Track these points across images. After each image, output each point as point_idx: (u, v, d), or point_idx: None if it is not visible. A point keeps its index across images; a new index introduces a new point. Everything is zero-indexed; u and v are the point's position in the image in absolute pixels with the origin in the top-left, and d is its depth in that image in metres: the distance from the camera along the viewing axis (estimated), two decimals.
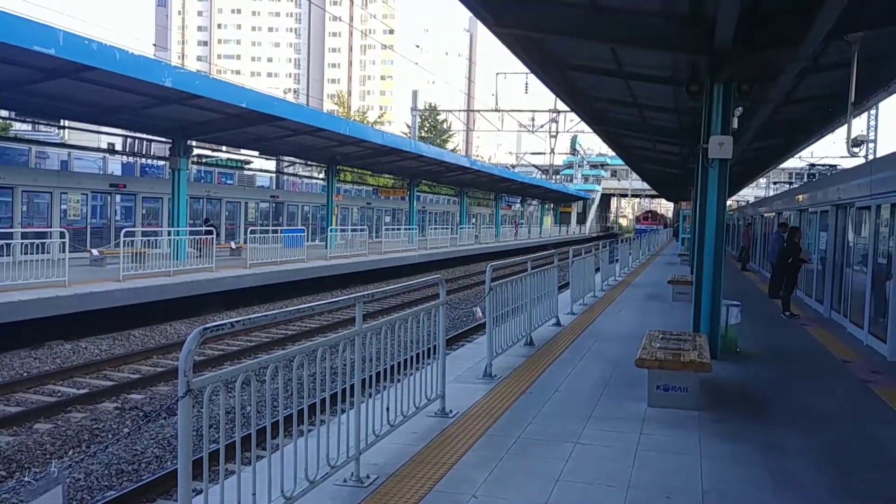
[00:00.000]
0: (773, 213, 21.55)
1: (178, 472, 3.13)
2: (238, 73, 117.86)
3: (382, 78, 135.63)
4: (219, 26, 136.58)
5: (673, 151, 22.36)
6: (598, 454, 5.30)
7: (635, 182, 78.95)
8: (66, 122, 25.97)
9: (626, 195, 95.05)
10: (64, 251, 14.98)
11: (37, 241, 15.29)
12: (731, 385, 7.68)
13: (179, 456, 3.09)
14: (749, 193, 67.24)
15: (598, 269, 16.52)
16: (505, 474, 4.83)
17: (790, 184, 51.19)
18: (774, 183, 64.01)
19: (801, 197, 17.25)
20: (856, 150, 12.02)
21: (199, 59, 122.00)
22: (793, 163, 46.13)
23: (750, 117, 12.63)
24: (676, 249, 37.73)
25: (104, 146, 31.56)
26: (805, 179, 34.74)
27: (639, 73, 12.33)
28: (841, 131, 14.29)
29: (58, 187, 21.35)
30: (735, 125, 8.94)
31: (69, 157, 27.57)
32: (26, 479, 7.33)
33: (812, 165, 38.13)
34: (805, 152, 39.14)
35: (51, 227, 19.59)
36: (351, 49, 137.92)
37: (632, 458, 5.22)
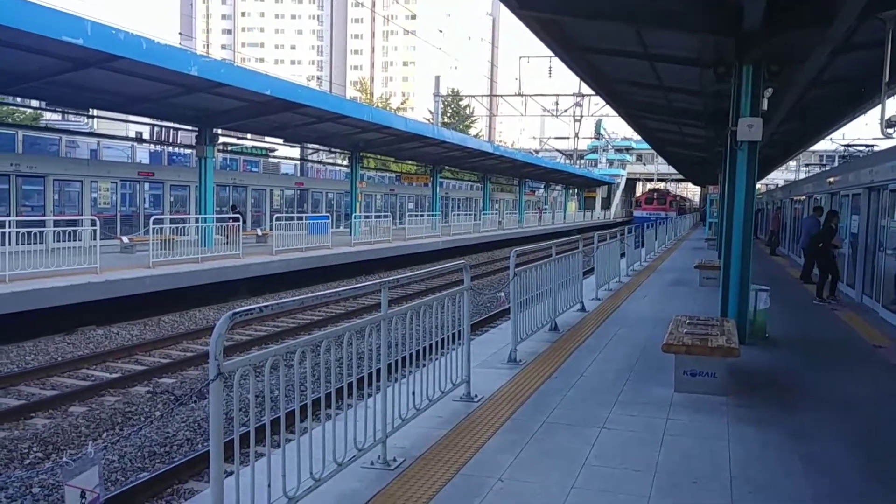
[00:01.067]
0: (804, 197, 21.20)
1: (209, 453, 3.18)
2: (262, 60, 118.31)
3: (405, 64, 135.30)
4: (242, 14, 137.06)
5: (699, 134, 22.04)
6: (625, 439, 5.29)
7: (661, 166, 77.91)
8: (95, 112, 26.32)
9: (651, 179, 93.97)
10: (95, 239, 15.23)
11: (68, 229, 15.57)
12: (760, 370, 7.61)
13: (211, 438, 3.15)
14: (778, 177, 66.16)
15: (623, 255, 16.41)
16: (530, 458, 4.85)
17: (822, 166, 50.18)
18: (806, 165, 62.82)
19: (832, 179, 16.94)
20: (890, 131, 11.74)
21: (223, 47, 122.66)
22: (824, 145, 45.25)
23: (779, 99, 12.38)
24: (703, 234, 37.33)
25: (132, 135, 31.97)
26: (838, 161, 33.81)
27: (664, 55, 12.15)
28: (874, 112, 13.98)
29: (88, 176, 21.68)
30: (765, 107, 8.80)
31: (98, 146, 27.99)
32: (64, 459, 7.52)
33: (847, 146, 37.00)
34: (836, 134, 38.26)
35: (82, 215, 19.92)
36: (373, 35, 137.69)
37: (658, 443, 5.21)
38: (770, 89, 9.13)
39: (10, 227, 14.00)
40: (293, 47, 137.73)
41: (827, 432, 5.56)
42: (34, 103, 23.45)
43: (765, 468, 4.78)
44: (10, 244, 13.60)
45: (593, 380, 7.02)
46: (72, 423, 8.70)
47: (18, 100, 25.23)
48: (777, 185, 52.08)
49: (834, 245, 13.20)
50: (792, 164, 61.59)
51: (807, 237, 15.78)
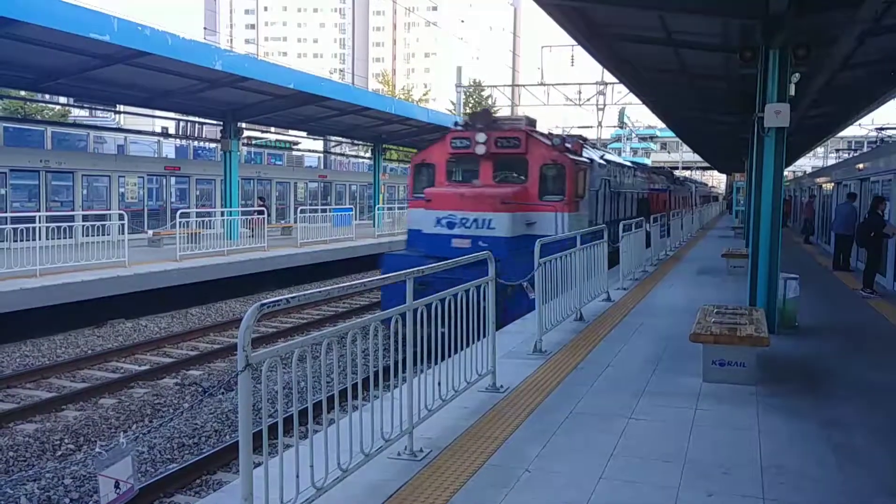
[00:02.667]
0: (833, 183, 20.82)
1: (238, 444, 3.21)
2: (285, 54, 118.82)
3: (426, 55, 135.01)
4: (265, 9, 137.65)
5: (725, 121, 21.75)
6: (653, 429, 5.25)
7: (686, 154, 77.08)
8: (121, 107, 26.65)
9: (676, 168, 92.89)
10: (123, 233, 15.45)
11: (97, 224, 15.80)
12: (790, 360, 7.50)
13: (240, 428, 3.17)
14: (806, 163, 65.02)
15: (648, 245, 16.26)
16: (558, 449, 4.83)
17: (851, 152, 49.19)
18: (836, 150, 61.58)
19: (861, 165, 16.62)
20: None
21: (246, 41, 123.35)
22: (852, 130, 44.35)
23: (807, 83, 12.17)
24: (730, 223, 36.86)
25: (158, 130, 32.31)
26: (867, 147, 32.90)
27: (688, 41, 11.99)
28: None
29: (115, 171, 21.96)
30: (792, 92, 8.64)
31: (125, 141, 28.30)
32: (97, 450, 7.65)
33: (881, 129, 35.99)
34: (865, 119, 37.43)
35: (110, 209, 20.20)
36: (395, 27, 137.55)
37: (687, 433, 5.16)
38: (797, 74, 8.96)
39: (40, 223, 14.24)
40: (315, 41, 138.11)
41: (859, 422, 5.46)
42: (62, 100, 23.79)
43: (796, 458, 4.71)
44: (40, 239, 13.84)
45: (620, 370, 6.97)
46: (102, 415, 8.85)
47: (47, 96, 25.58)
48: (805, 171, 51.18)
49: (886, 234, 12.44)
50: (819, 150, 60.44)
51: (843, 224, 15.35)
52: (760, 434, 5.15)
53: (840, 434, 5.17)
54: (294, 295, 3.52)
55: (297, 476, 3.51)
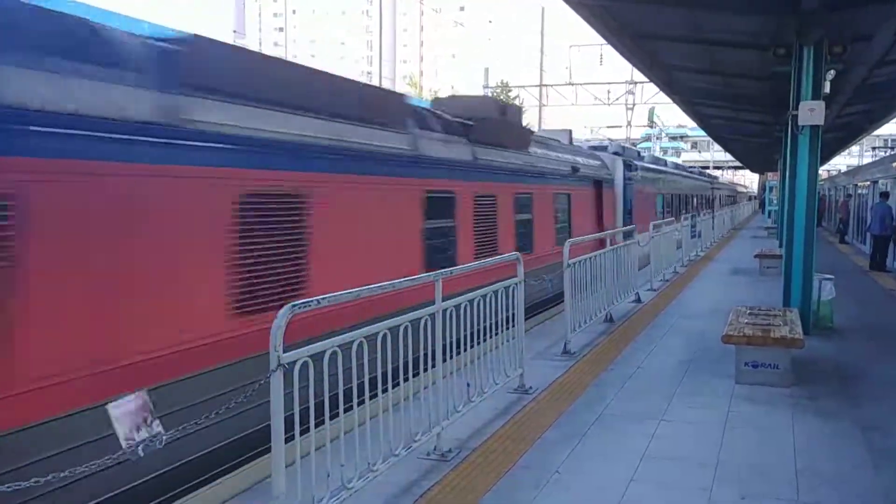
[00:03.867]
0: (868, 182, 20.41)
1: (271, 443, 3.24)
2: (313, 56, 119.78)
3: (453, 56, 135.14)
4: (293, 12, 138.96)
5: (757, 120, 21.44)
6: (685, 432, 5.19)
7: (717, 153, 76.10)
8: None
9: (707, 167, 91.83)
10: None
11: None
12: (825, 362, 7.36)
13: (272, 428, 3.20)
14: (841, 162, 63.78)
15: (679, 246, 16.09)
16: (588, 451, 4.80)
17: (889, 150, 48.16)
18: (872, 149, 60.29)
19: None
20: None
21: (275, 45, 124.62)
22: (889, 128, 43.42)
23: (842, 81, 11.95)
24: (761, 223, 36.32)
25: None
26: None
27: (720, 39, 11.83)
28: None
29: None
30: (827, 89, 8.49)
31: None
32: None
33: None
34: None
35: None
36: (422, 29, 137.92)
37: (720, 435, 5.09)
38: (832, 71, 8.80)
39: None
40: (343, 43, 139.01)
41: None
42: None
43: (831, 460, 4.62)
44: None
45: (650, 372, 6.91)
46: None
47: None
48: (839, 170, 50.23)
49: None
50: (854, 148, 59.26)
51: (879, 224, 15.19)
52: (795, 436, 5.07)
53: (876, 436, 5.07)
54: (325, 296, 3.55)
55: (329, 475, 3.54)
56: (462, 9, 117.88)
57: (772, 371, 6.34)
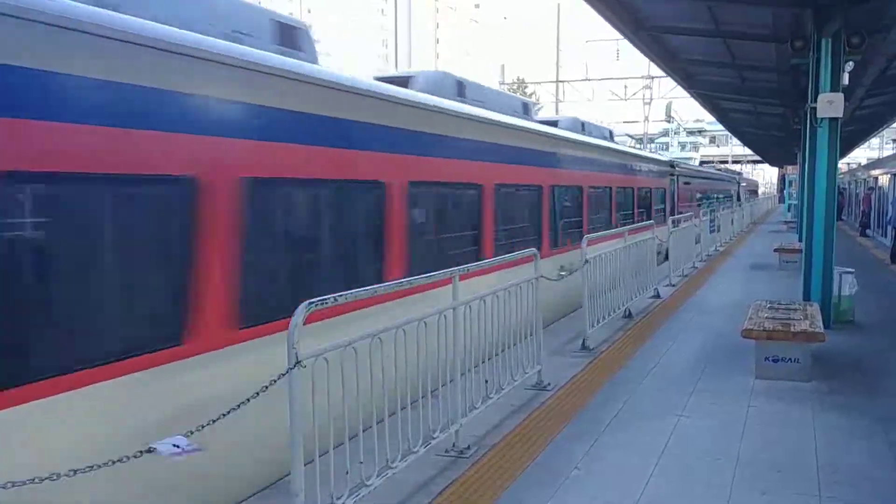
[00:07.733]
0: (889, 175, 20.12)
1: (291, 440, 3.26)
2: (329, 55, 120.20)
3: (468, 53, 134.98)
4: (308, 11, 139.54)
5: (776, 113, 21.22)
6: (704, 427, 5.16)
7: (735, 147, 75.38)
8: None
9: (725, 162, 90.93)
10: None
11: None
12: (846, 356, 7.28)
13: (291, 425, 3.22)
14: (861, 155, 62.89)
15: (697, 240, 15.98)
16: (606, 447, 4.79)
17: None
18: (893, 140, 59.36)
19: None
20: None
21: None
22: None
23: (861, 72, 11.80)
24: (781, 217, 35.94)
25: None
26: None
27: (738, 32, 11.73)
28: None
29: None
30: (845, 81, 8.39)
31: None
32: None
33: None
34: None
35: None
36: (437, 26, 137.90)
37: (740, 431, 5.06)
38: (851, 62, 8.69)
39: None
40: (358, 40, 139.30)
41: None
42: None
43: (853, 456, 4.58)
44: None
45: (669, 367, 6.88)
46: None
47: None
48: (859, 163, 49.54)
49: None
50: (874, 140, 58.37)
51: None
52: (815, 431, 5.02)
53: None
54: (342, 293, 3.57)
55: (347, 473, 3.56)
56: (477, 6, 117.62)
57: (792, 365, 6.29)
